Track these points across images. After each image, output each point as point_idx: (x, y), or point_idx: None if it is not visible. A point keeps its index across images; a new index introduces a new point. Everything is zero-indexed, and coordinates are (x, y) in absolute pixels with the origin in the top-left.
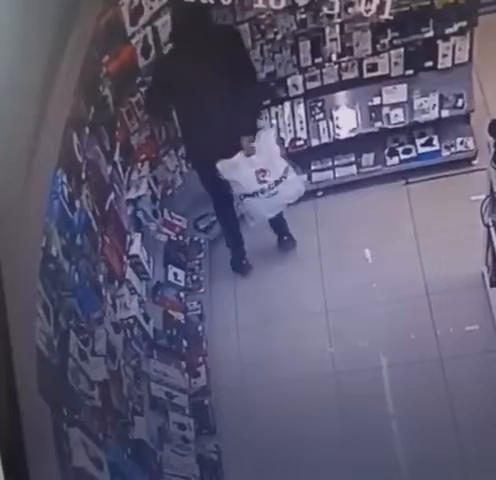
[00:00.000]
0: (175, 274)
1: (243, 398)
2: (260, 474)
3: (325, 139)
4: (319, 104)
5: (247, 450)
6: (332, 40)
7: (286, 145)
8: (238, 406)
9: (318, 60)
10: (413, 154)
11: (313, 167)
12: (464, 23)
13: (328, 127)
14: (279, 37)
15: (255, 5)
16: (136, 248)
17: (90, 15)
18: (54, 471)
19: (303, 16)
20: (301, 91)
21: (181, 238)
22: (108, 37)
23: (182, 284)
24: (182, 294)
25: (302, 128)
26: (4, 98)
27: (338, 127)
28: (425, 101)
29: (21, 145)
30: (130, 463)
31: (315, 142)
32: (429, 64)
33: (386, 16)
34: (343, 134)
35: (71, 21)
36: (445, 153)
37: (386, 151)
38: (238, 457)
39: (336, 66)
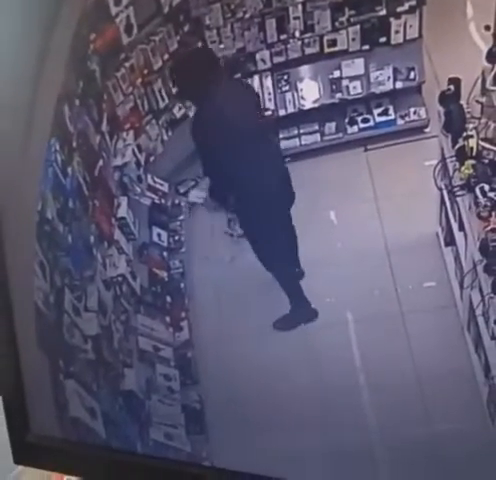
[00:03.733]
0: (159, 235)
1: (222, 351)
2: (240, 421)
3: (291, 109)
4: (285, 77)
5: (227, 399)
6: (295, 18)
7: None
8: (218, 358)
9: (283, 37)
10: (371, 123)
11: (281, 135)
12: (414, 2)
13: (293, 98)
14: (248, 16)
15: None
16: (123, 211)
17: None
18: (53, 420)
19: None
20: (268, 65)
21: (163, 201)
22: (94, 16)
23: (165, 244)
24: (165, 253)
25: (270, 99)
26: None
27: (302, 98)
28: (381, 74)
29: (18, 118)
30: (121, 413)
31: (282, 112)
32: (383, 40)
33: None
34: (307, 104)
35: (60, 2)
36: (400, 122)
37: (346, 120)
38: (220, 406)
39: (299, 42)
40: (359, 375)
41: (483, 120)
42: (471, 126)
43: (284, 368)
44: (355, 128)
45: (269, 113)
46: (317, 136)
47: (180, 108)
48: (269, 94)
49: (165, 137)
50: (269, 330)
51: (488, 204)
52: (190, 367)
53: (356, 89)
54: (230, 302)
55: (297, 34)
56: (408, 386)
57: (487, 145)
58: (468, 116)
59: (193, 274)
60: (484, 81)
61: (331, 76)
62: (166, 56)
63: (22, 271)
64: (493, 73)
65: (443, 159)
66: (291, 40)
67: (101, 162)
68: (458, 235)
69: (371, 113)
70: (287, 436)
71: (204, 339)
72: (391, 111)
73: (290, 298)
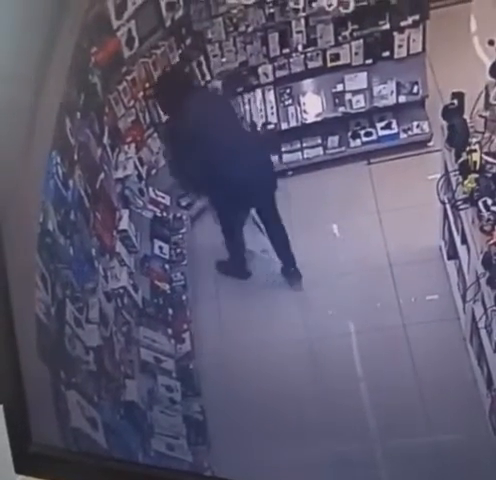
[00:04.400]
0: (160, 248)
1: (224, 362)
2: (241, 431)
3: (293, 123)
4: (287, 91)
5: (229, 410)
6: (298, 32)
7: (258, 129)
8: (220, 369)
9: (286, 50)
10: (374, 137)
11: (283, 149)
12: (417, 17)
13: (296, 112)
14: (250, 30)
15: (228, 0)
16: (125, 223)
17: (79, 9)
18: (55, 430)
19: (271, 10)
20: (271, 79)
21: (165, 214)
22: (95, 30)
23: (167, 257)
24: (167, 266)
25: (272, 113)
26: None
27: (305, 112)
28: (384, 88)
29: (18, 130)
30: (123, 423)
31: (284, 126)
32: (386, 54)
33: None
34: (310, 118)
35: (62, 15)
36: (403, 136)
37: (349, 134)
38: (221, 417)
39: (302, 56)
40: (361, 386)
41: (486, 134)
42: (474, 140)
43: (286, 379)
44: (358, 142)
45: (271, 127)
46: (320, 150)
47: None
48: (271, 108)
49: None
50: (271, 342)
51: (491, 218)
52: (192, 378)
53: (359, 103)
54: (232, 313)
55: (300, 48)
56: (410, 397)
57: (490, 159)
58: (471, 130)
59: (196, 286)
60: (487, 95)
61: (334, 90)
62: (168, 69)
63: (23, 283)
64: None
65: (446, 173)
66: (294, 54)
67: (102, 175)
68: (461, 248)
69: (374, 127)
70: (289, 446)
71: (206, 350)
72: (394, 125)
73: (229, 253)
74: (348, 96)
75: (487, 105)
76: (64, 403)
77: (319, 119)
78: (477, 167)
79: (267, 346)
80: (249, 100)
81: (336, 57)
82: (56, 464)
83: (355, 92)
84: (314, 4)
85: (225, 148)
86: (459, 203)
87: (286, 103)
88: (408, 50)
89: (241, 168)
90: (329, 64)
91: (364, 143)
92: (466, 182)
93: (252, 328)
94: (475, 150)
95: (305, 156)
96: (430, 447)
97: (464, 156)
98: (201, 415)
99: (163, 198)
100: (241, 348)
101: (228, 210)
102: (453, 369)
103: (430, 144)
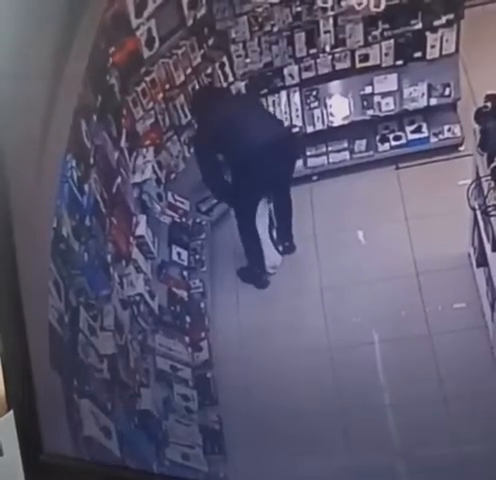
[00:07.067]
0: (179, 254)
1: (242, 371)
2: (259, 441)
3: (319, 126)
4: (314, 93)
5: (247, 420)
6: (326, 32)
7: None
8: (238, 379)
9: (313, 51)
10: (403, 141)
11: (308, 153)
12: (451, 16)
13: (322, 115)
14: (276, 29)
15: None
16: (142, 229)
17: (97, 8)
18: (66, 439)
19: (298, 9)
20: (297, 80)
21: (184, 220)
22: (114, 29)
23: (185, 263)
24: (185, 273)
25: (298, 115)
26: (15, 85)
27: (332, 115)
28: (414, 90)
29: (33, 132)
30: (137, 432)
31: (310, 129)
32: (418, 55)
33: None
34: (336, 121)
35: (79, 13)
36: (433, 139)
37: (377, 138)
38: (238, 426)
39: (330, 57)
40: (384, 396)
41: None
42: None
43: (306, 389)
44: (386, 146)
45: (296, 130)
46: (346, 154)
47: None
48: (297, 110)
49: (187, 154)
50: (292, 351)
51: None
52: (209, 387)
53: (388, 105)
54: (252, 321)
55: (327, 48)
56: (436, 409)
57: None
58: None
59: (215, 293)
60: None
61: (362, 92)
62: (189, 70)
63: (36, 289)
64: None
65: (478, 178)
66: (321, 55)
67: (119, 179)
68: (491, 256)
69: (403, 130)
70: (308, 457)
71: (224, 359)
72: (424, 128)
73: (247, 257)
74: (377, 98)
75: None
76: (77, 412)
77: (346, 122)
78: None
79: (287, 355)
80: (273, 102)
81: (365, 58)
82: (67, 473)
83: (384, 94)
84: (343, 2)
85: (250, 130)
86: (490, 209)
87: (312, 106)
88: (441, 51)
89: (265, 144)
90: (358, 65)
91: (393, 147)
92: None
93: (272, 337)
94: None
95: (331, 160)
96: (455, 459)
97: None
98: (218, 424)
99: (182, 203)
100: (260, 357)
101: (251, 189)
102: (480, 380)
103: (461, 148)
